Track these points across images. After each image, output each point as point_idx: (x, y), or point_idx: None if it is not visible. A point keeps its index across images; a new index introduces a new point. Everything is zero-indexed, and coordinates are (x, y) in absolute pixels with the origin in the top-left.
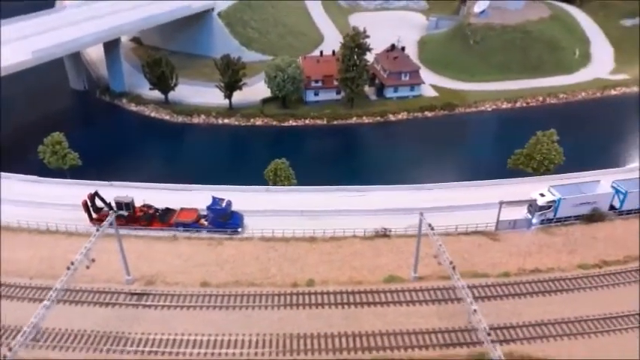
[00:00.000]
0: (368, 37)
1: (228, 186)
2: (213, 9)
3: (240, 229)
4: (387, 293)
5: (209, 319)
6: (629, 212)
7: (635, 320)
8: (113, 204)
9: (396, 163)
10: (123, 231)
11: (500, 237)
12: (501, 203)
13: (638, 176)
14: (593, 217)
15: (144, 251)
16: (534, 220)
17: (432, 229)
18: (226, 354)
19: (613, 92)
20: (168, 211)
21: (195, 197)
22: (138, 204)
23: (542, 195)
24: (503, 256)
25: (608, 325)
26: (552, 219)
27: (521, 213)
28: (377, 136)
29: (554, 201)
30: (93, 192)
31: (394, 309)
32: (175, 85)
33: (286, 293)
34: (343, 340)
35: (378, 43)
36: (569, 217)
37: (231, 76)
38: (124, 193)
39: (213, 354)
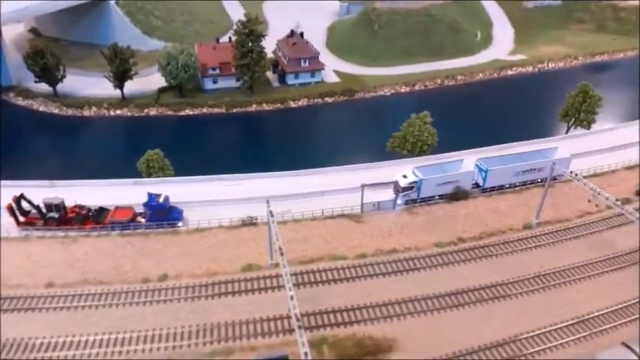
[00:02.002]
0: (261, 23)
1: (96, 180)
2: None
3: (180, 224)
4: (241, 282)
5: (48, 320)
6: (492, 189)
7: (478, 295)
8: (42, 206)
9: (288, 150)
10: None
11: (365, 219)
12: (363, 186)
13: (501, 155)
14: (457, 195)
15: None
16: (399, 201)
17: (272, 215)
18: (58, 356)
19: (509, 72)
20: (102, 211)
21: (62, 193)
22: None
23: (404, 176)
24: (365, 238)
25: (453, 301)
26: (416, 199)
27: (386, 195)
28: (275, 123)
29: (416, 182)
30: (18, 195)
31: (245, 298)
32: (63, 76)
33: (135, 290)
34: (185, 333)
35: (289, 30)
36: (433, 196)
37: (120, 65)
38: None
39: (43, 357)
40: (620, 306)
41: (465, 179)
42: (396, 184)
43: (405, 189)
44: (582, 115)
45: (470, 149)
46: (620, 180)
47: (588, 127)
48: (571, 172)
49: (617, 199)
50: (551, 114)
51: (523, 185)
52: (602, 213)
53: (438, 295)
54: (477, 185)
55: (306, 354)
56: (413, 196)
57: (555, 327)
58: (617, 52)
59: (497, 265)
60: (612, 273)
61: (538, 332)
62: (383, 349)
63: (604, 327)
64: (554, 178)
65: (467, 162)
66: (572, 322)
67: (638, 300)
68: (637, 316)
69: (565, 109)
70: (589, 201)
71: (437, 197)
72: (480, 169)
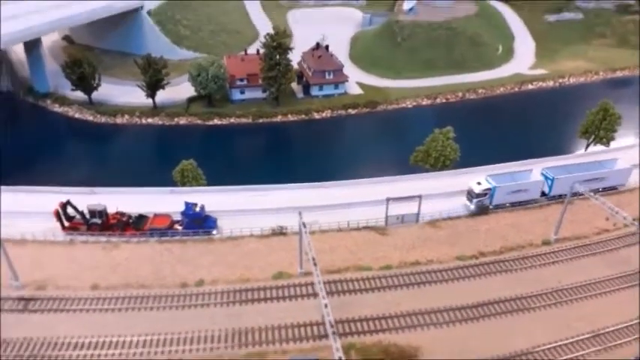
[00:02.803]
0: (288, 36)
1: (133, 188)
2: (142, 7)
3: (215, 232)
4: (272, 289)
5: (94, 321)
6: (559, 197)
7: (498, 308)
8: (86, 212)
9: (312, 161)
10: None
11: (389, 231)
12: (388, 199)
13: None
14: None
15: (37, 256)
16: (472, 207)
17: (305, 226)
18: (106, 355)
19: (530, 87)
20: (141, 218)
21: (101, 200)
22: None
23: (478, 183)
24: (389, 250)
25: (474, 313)
26: (489, 206)
27: (410, 208)
28: (300, 134)
29: (489, 189)
30: (65, 201)
31: (277, 304)
32: (98, 85)
33: (174, 294)
34: (222, 336)
35: (313, 40)
36: (504, 204)
37: (153, 75)
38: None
39: (92, 355)
40: (635, 322)
41: (534, 188)
42: (470, 190)
43: (478, 195)
44: (602, 132)
45: (489, 165)
46: (633, 200)
47: (607, 144)
48: (590, 191)
49: (633, 219)
50: (571, 130)
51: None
52: (620, 231)
53: (461, 307)
54: (543, 194)
55: (340, 359)
56: (486, 203)
57: (572, 340)
58: (638, 68)
59: (516, 279)
60: (628, 290)
61: (555, 345)
62: (407, 355)
63: (619, 342)
64: (614, 188)
65: (535, 172)
66: (588, 335)
67: None
68: None
69: (585, 126)
70: (607, 219)
71: (508, 205)
72: (546, 178)
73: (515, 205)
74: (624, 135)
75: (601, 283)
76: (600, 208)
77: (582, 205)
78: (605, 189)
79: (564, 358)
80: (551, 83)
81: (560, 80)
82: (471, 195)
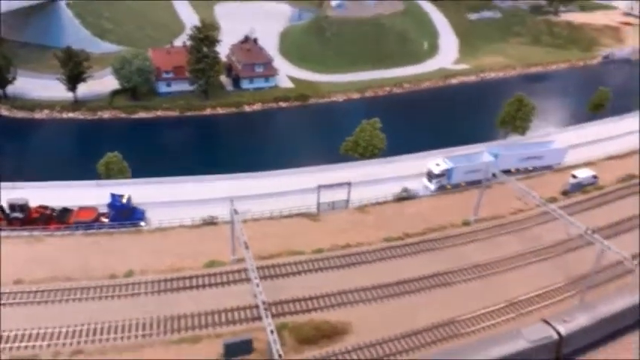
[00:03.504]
0: (216, 28)
1: (57, 182)
2: None
3: (143, 223)
4: (204, 277)
5: (20, 314)
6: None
7: (421, 284)
8: (6, 207)
9: (244, 153)
10: None
11: (321, 218)
12: (319, 187)
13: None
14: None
15: None
16: (432, 187)
17: (237, 213)
18: (33, 346)
19: (453, 81)
20: (65, 211)
21: (24, 195)
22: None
23: (437, 165)
24: (321, 235)
25: (400, 289)
26: (446, 185)
27: (340, 195)
28: (230, 126)
29: (447, 169)
30: None
31: (209, 291)
32: (13, 78)
33: (103, 285)
34: (154, 323)
35: (241, 34)
36: (460, 183)
37: (73, 68)
38: None
39: (19, 347)
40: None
41: (486, 168)
42: (429, 171)
43: (437, 175)
44: (518, 122)
45: (417, 153)
46: (548, 182)
47: (522, 133)
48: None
49: (540, 198)
50: (491, 120)
51: (527, 171)
52: (533, 211)
53: (387, 285)
54: None
55: (272, 331)
56: (444, 182)
57: (487, 310)
58: (550, 64)
59: (438, 257)
60: (538, 263)
61: (472, 315)
62: (338, 331)
63: (529, 308)
64: (550, 167)
65: (486, 154)
66: (502, 305)
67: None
68: (558, 298)
69: (502, 117)
70: (519, 199)
71: (464, 184)
72: (492, 155)
73: (470, 184)
74: (540, 126)
75: (514, 259)
76: (515, 190)
77: (501, 188)
78: (543, 167)
79: (481, 325)
80: (473, 77)
81: (482, 75)
82: (430, 176)
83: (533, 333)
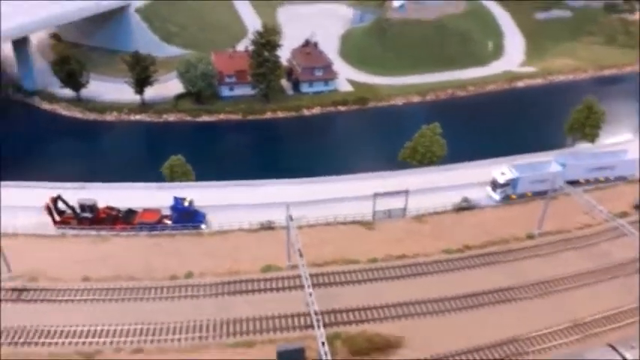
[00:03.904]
0: (277, 33)
1: (123, 183)
2: (129, 5)
3: (204, 226)
4: (260, 281)
5: (85, 311)
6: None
7: (481, 299)
8: (77, 207)
9: (302, 157)
10: None
11: (376, 226)
12: (376, 195)
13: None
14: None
15: (28, 249)
16: (496, 197)
17: (292, 219)
18: (97, 343)
19: (519, 84)
20: (131, 213)
21: (91, 194)
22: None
23: (502, 173)
24: (376, 244)
25: (457, 304)
26: (512, 195)
27: (398, 203)
28: (289, 130)
29: (513, 179)
30: (55, 195)
31: (265, 296)
32: (86, 82)
33: (164, 286)
34: (210, 325)
35: (303, 37)
36: (526, 193)
37: (141, 72)
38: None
39: (84, 343)
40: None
41: (553, 178)
42: (494, 180)
43: (502, 185)
44: (587, 129)
45: (478, 160)
46: (621, 194)
47: (592, 141)
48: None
49: (609, 212)
50: (559, 126)
51: (596, 182)
52: (602, 225)
53: (444, 299)
54: None
55: (323, 344)
56: (509, 192)
57: (551, 330)
58: (625, 66)
59: (500, 271)
60: (607, 282)
61: (535, 334)
62: (391, 345)
63: (595, 330)
64: (624, 178)
65: (554, 164)
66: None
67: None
68: (627, 322)
69: (570, 124)
70: (586, 214)
71: (530, 194)
72: (560, 165)
73: (536, 194)
74: (612, 133)
75: (580, 277)
76: (582, 203)
77: (568, 200)
78: (616, 178)
79: (543, 346)
80: (540, 80)
81: (550, 78)
82: (495, 185)
83: (598, 358)
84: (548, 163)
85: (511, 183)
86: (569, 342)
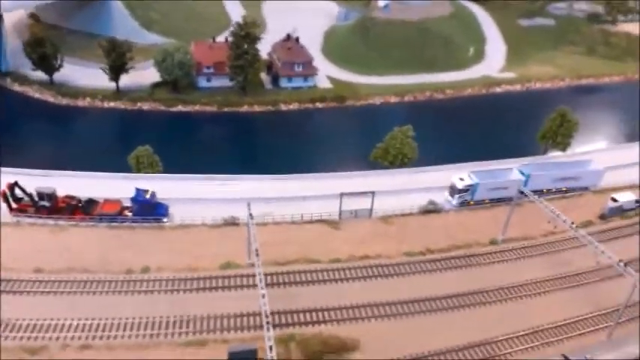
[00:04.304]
0: (258, 26)
1: (87, 172)
2: None
3: (165, 219)
4: (218, 279)
5: (35, 303)
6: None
7: (439, 304)
8: (34, 194)
9: (274, 153)
10: None
11: (342, 226)
12: (342, 194)
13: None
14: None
15: None
16: (454, 202)
17: (252, 217)
18: (43, 338)
19: (497, 89)
20: (91, 203)
21: (54, 182)
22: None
23: (461, 179)
24: (340, 244)
25: (415, 308)
26: (470, 201)
27: (364, 203)
28: (264, 125)
29: (471, 185)
30: (12, 182)
31: (221, 294)
32: (60, 65)
33: (118, 280)
34: (163, 323)
35: (287, 31)
36: (484, 200)
37: (116, 58)
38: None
39: (29, 338)
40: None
41: (513, 186)
42: (452, 185)
43: (461, 191)
44: (559, 138)
45: (449, 164)
46: (587, 203)
47: (564, 149)
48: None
49: (572, 222)
50: (533, 133)
51: (560, 192)
52: (565, 234)
53: (403, 302)
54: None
55: (270, 347)
56: (467, 198)
57: (507, 336)
58: (603, 77)
59: (461, 276)
60: (565, 290)
61: (490, 341)
62: (346, 348)
63: (551, 339)
64: (587, 188)
65: (515, 171)
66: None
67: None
68: (580, 332)
69: (543, 131)
70: (548, 222)
71: (487, 201)
72: (522, 174)
73: (494, 201)
74: (584, 142)
75: (540, 283)
76: (545, 210)
77: (533, 207)
78: (580, 189)
79: (498, 353)
80: (518, 87)
81: (528, 84)
82: (453, 190)
83: None
84: (509, 171)
85: (470, 189)
86: (524, 349)
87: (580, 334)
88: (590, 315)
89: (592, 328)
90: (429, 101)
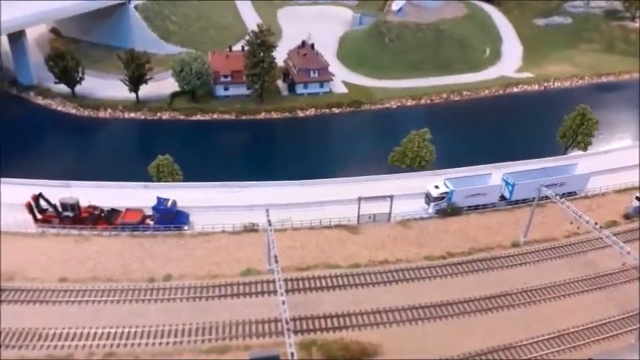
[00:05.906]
0: (273, 34)
1: (109, 182)
2: (129, 1)
3: (186, 227)
4: (240, 285)
5: (60, 312)
6: (516, 202)
7: (461, 308)
8: (58, 205)
9: (293, 159)
10: None
11: (360, 230)
12: (360, 199)
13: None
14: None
15: (7, 247)
16: (430, 210)
17: (270, 224)
18: (69, 346)
19: (515, 90)
20: (113, 212)
21: (76, 193)
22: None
23: (436, 187)
24: (359, 249)
25: (437, 312)
26: (447, 209)
27: (382, 208)
28: (282, 131)
29: (447, 192)
30: (37, 193)
31: (243, 300)
32: (82, 78)
33: (141, 288)
34: (186, 330)
35: (302, 38)
36: (462, 207)
37: (135, 69)
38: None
39: (56, 346)
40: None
41: (492, 192)
42: (427, 194)
43: (436, 199)
44: (580, 137)
45: (467, 166)
46: (610, 202)
47: (585, 148)
48: (556, 195)
49: (595, 223)
50: (552, 133)
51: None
52: (589, 234)
53: (424, 306)
54: (503, 198)
55: (292, 354)
56: (443, 206)
57: (533, 340)
58: (623, 74)
59: (483, 279)
60: (591, 292)
61: (516, 345)
62: (368, 353)
63: (577, 343)
64: (574, 193)
65: (495, 176)
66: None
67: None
68: (607, 334)
69: (563, 131)
70: (571, 223)
71: (465, 208)
72: (507, 183)
73: (472, 208)
74: (604, 140)
75: (565, 286)
76: (567, 211)
77: (554, 208)
78: (566, 194)
79: (523, 358)
80: (536, 87)
81: (545, 84)
82: (429, 198)
83: None
84: (487, 176)
85: (445, 197)
86: (551, 353)
87: (607, 337)
88: (618, 317)
89: (620, 331)
90: (446, 103)
